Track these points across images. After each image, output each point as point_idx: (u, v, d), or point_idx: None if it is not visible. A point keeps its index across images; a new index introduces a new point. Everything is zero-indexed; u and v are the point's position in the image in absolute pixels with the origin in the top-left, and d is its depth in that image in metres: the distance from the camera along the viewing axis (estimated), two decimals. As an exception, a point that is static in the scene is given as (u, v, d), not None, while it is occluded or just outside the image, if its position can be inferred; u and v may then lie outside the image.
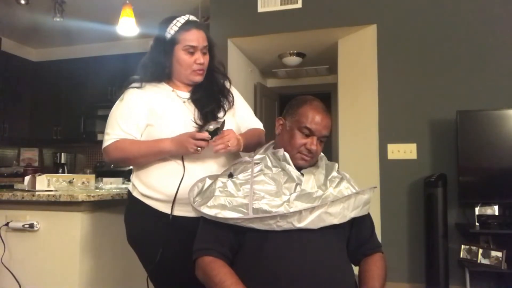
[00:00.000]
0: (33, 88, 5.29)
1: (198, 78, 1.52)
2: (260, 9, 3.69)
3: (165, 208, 1.45)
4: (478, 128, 2.95)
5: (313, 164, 1.35)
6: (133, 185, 1.52)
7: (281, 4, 3.63)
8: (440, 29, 3.26)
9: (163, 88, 1.53)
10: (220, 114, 1.52)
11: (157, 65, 1.49)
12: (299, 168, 1.30)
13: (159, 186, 1.45)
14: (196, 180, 1.40)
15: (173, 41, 1.47)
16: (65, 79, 5.16)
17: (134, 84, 1.52)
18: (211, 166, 1.47)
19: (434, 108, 3.23)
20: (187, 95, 1.53)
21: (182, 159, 1.44)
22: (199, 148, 1.35)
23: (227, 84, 1.63)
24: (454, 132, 3.02)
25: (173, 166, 1.45)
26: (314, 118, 1.29)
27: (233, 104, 1.60)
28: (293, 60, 4.43)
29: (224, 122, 1.38)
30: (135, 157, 1.46)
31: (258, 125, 1.68)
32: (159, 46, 1.50)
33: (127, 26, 3.40)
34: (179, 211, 1.45)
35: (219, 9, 3.81)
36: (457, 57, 3.21)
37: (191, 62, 1.48)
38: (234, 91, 1.65)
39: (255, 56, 4.42)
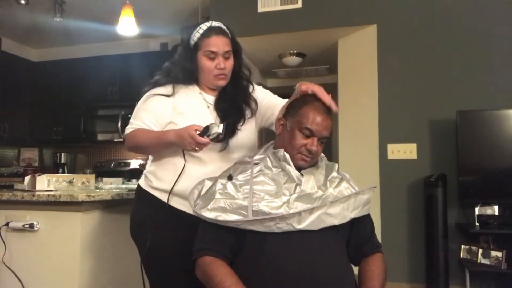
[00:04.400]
0: (33, 88, 5.28)
1: (221, 83, 1.56)
2: (260, 9, 3.69)
3: (166, 198, 1.52)
4: (478, 128, 2.95)
5: (313, 164, 1.35)
6: (146, 177, 1.60)
7: (281, 4, 3.63)
8: (440, 29, 3.26)
9: (192, 90, 1.58)
10: (245, 125, 1.56)
11: (184, 71, 1.56)
12: (299, 169, 1.30)
13: (165, 178, 1.52)
14: (197, 178, 1.42)
15: (196, 48, 1.53)
16: (65, 79, 5.15)
17: (161, 91, 1.55)
18: (211, 165, 1.51)
19: (434, 108, 3.23)
20: (212, 99, 1.58)
21: (184, 156, 1.50)
22: (197, 148, 1.38)
23: (251, 89, 1.65)
24: (454, 132, 3.02)
25: (181, 163, 1.51)
26: (315, 119, 1.28)
27: (255, 112, 1.62)
28: (293, 60, 4.42)
29: (225, 127, 1.37)
30: (145, 145, 1.53)
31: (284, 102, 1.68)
32: (184, 52, 1.56)
33: (127, 26, 3.41)
34: (180, 205, 1.51)
35: (219, 9, 3.80)
36: (457, 57, 3.21)
37: (212, 67, 1.52)
38: (258, 90, 1.67)
39: (255, 56, 4.42)
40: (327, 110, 1.32)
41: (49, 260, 1.81)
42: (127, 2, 3.41)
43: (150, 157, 1.64)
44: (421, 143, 3.26)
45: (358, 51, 3.59)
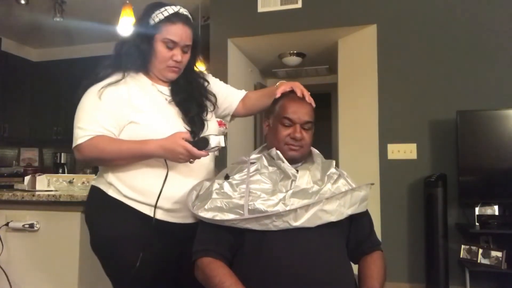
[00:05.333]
0: (33, 88, 5.29)
1: (171, 76, 1.42)
2: (260, 9, 3.69)
3: (148, 211, 1.35)
4: (478, 128, 2.95)
5: (308, 159, 1.37)
6: (109, 183, 1.37)
7: (281, 4, 3.63)
8: (440, 29, 3.26)
9: (142, 81, 1.41)
10: (209, 116, 1.49)
11: (138, 52, 1.38)
12: (294, 163, 1.31)
13: (143, 189, 1.35)
14: (179, 182, 1.37)
15: (154, 30, 1.37)
16: (65, 79, 5.15)
17: (111, 80, 1.38)
18: (196, 169, 1.41)
19: (434, 108, 3.23)
20: (166, 90, 1.44)
21: (165, 161, 1.33)
22: (192, 160, 1.30)
23: (205, 84, 1.55)
24: (454, 132, 3.02)
25: (157, 168, 1.35)
26: (291, 107, 1.33)
27: (216, 105, 1.55)
28: (293, 60, 4.43)
29: (223, 139, 1.30)
30: (113, 158, 1.31)
31: (242, 94, 1.65)
32: (140, 31, 1.39)
33: (127, 26, 3.40)
34: (163, 215, 1.37)
35: (219, 9, 3.81)
36: (457, 57, 3.21)
37: (167, 57, 1.38)
38: (212, 84, 1.59)
39: (255, 56, 4.42)
40: (303, 98, 1.37)
41: (49, 260, 1.81)
42: (127, 2, 3.40)
43: None
44: (421, 143, 3.26)
45: (358, 51, 3.59)
